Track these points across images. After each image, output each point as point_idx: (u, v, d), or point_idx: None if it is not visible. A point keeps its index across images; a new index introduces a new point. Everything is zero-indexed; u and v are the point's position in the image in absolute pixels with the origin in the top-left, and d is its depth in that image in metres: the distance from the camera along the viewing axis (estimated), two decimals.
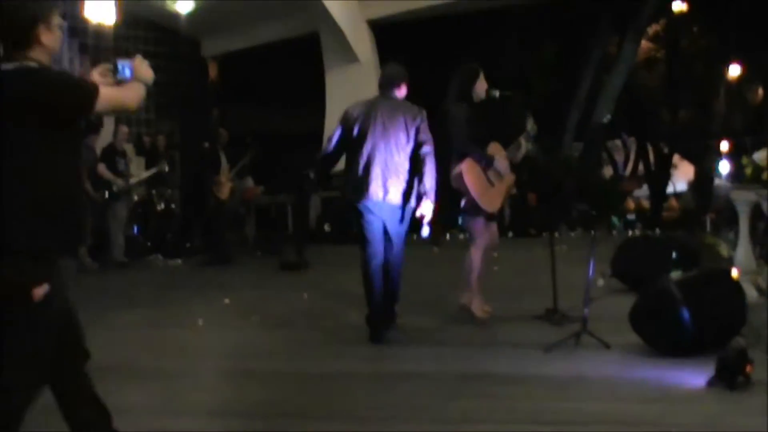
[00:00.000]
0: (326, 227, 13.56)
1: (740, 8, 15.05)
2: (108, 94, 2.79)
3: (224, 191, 10.91)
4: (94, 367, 5.03)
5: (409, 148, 5.45)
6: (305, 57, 14.71)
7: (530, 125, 6.07)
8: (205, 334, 6.14)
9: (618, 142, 23.84)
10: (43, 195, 2.67)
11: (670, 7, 17.38)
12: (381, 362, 5.06)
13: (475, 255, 5.94)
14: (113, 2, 11.03)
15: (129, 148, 12.07)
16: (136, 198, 11.12)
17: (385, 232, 5.51)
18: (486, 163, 5.88)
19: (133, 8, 12.18)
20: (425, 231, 7.38)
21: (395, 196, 5.45)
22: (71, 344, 2.89)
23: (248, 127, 15.90)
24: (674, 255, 6.72)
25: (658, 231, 13.64)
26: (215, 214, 11.04)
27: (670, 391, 4.15)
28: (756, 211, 6.50)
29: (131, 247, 10.76)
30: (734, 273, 5.41)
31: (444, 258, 9.57)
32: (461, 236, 11.63)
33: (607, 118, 15.63)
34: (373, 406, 4.12)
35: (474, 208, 5.90)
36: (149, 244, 11.34)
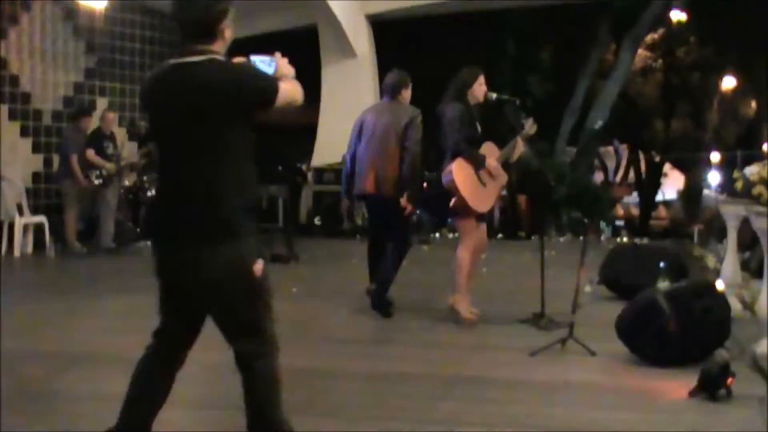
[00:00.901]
0: (317, 221, 13.56)
1: (737, 21, 15.12)
2: (284, 89, 2.87)
3: None
4: (83, 353, 5.06)
5: (399, 147, 6.14)
6: (302, 49, 14.69)
7: (529, 125, 6.05)
8: None
9: (610, 148, 23.97)
10: (247, 182, 2.85)
11: (669, 17, 17.44)
12: (368, 361, 5.07)
13: (464, 255, 5.95)
14: None
15: (122, 133, 12.05)
16: (126, 183, 11.08)
17: (385, 222, 6.25)
18: (477, 164, 5.90)
19: None
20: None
21: (387, 189, 6.16)
22: None
23: None
24: (662, 265, 6.76)
25: (645, 239, 13.69)
26: None
27: (653, 401, 4.20)
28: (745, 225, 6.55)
29: (120, 233, 10.73)
30: (720, 286, 5.45)
31: (434, 257, 9.59)
32: (451, 235, 11.65)
33: (599, 125, 15.68)
34: (359, 405, 4.15)
35: (464, 208, 5.90)
36: (138, 230, 11.30)
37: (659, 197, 23.24)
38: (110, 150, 10.52)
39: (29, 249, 10.15)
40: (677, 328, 4.71)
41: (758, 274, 7.04)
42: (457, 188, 5.81)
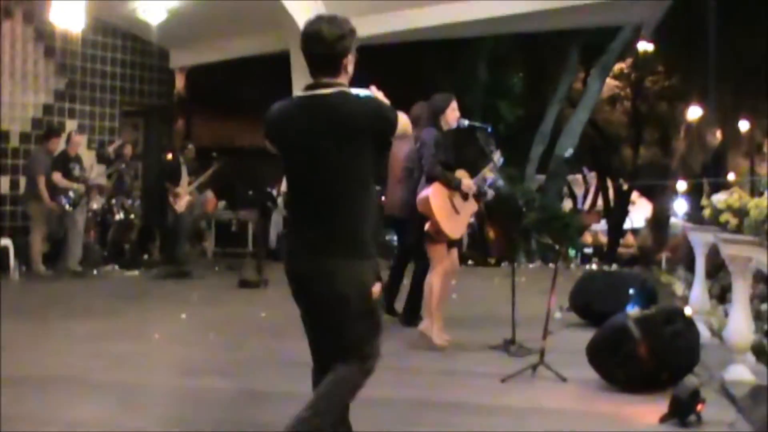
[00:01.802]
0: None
1: (702, 52, 15.41)
2: (402, 119, 3.10)
3: (181, 203, 10.81)
4: (46, 377, 4.95)
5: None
6: (275, 74, 14.68)
7: (497, 157, 6.12)
8: (160, 348, 6.08)
9: (579, 176, 24.19)
10: (374, 206, 3.13)
11: (636, 47, 17.74)
12: None
13: (435, 281, 5.95)
14: (82, 5, 10.81)
15: (91, 155, 11.93)
16: (94, 206, 10.95)
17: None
18: (455, 186, 5.93)
19: (103, 15, 12.03)
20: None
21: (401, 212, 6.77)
22: None
23: (215, 142, 15.81)
24: (632, 291, 6.80)
25: (614, 266, 13.79)
26: (172, 227, 10.93)
27: (624, 426, 4.20)
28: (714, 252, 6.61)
29: (87, 256, 10.59)
30: (688, 311, 5.49)
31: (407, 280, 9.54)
32: None
33: (569, 153, 15.82)
34: None
35: (436, 233, 5.91)
36: (106, 254, 11.16)
37: (627, 225, 23.44)
38: (77, 172, 10.42)
39: None
40: (647, 353, 4.73)
41: (721, 300, 7.14)
42: (433, 213, 5.82)
